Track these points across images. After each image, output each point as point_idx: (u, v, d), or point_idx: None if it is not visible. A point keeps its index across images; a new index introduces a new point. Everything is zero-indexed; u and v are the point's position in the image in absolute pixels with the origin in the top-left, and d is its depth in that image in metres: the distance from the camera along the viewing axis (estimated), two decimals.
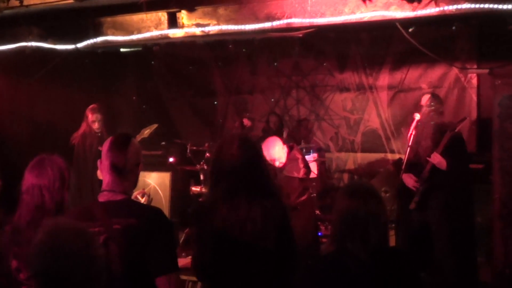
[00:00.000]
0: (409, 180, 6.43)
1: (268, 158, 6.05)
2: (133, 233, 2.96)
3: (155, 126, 8.54)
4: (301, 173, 6.15)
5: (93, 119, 7.78)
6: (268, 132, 8.17)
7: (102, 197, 3.17)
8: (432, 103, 6.44)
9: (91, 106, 7.89)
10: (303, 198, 6.26)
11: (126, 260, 2.83)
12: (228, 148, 3.51)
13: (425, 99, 6.51)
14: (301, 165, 6.19)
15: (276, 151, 6.10)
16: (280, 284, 3.46)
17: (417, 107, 6.63)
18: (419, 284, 3.01)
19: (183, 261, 7.30)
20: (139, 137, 8.16)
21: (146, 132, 8.39)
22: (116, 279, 2.46)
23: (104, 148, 3.23)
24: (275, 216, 3.44)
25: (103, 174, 3.23)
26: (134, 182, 3.33)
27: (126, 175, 3.21)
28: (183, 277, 6.61)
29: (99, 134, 7.74)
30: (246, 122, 7.92)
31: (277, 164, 6.11)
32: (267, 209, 3.41)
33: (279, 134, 7.41)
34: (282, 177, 6.15)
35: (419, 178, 6.34)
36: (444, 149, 6.17)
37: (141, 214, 3.08)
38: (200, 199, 8.00)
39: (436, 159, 6.16)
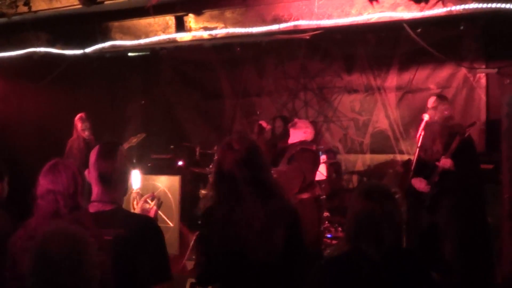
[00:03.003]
0: (419, 184, 6.41)
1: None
2: (123, 244, 2.95)
3: (143, 135, 8.63)
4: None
5: (82, 128, 7.98)
6: (274, 136, 8.16)
7: (92, 208, 3.15)
8: (438, 105, 6.42)
9: (79, 115, 8.04)
10: (306, 195, 6.31)
11: (117, 271, 2.82)
12: (228, 150, 3.50)
13: (431, 101, 6.49)
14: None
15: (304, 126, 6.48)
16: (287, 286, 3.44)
17: (424, 110, 6.62)
18: (432, 285, 3.00)
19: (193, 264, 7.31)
20: (127, 145, 8.25)
21: (134, 140, 8.49)
22: None
23: (92, 158, 3.21)
24: (283, 216, 3.41)
25: (92, 184, 3.21)
26: (123, 191, 3.31)
27: (115, 185, 3.21)
28: (193, 280, 6.60)
29: (88, 141, 7.87)
30: (265, 125, 7.91)
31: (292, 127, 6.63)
32: (273, 209, 3.38)
33: (284, 139, 7.43)
34: (298, 151, 6.28)
35: (429, 182, 6.33)
36: (453, 153, 6.15)
37: (131, 224, 3.07)
38: (206, 202, 8.05)
39: (447, 164, 6.15)
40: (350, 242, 2.99)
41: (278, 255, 3.33)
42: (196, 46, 7.52)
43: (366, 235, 2.88)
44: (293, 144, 6.62)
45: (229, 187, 3.42)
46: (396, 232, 2.93)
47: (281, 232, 3.34)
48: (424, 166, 6.44)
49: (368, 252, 2.87)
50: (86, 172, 3.24)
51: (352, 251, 2.96)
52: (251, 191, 3.37)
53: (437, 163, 6.23)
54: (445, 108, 6.45)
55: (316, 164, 6.76)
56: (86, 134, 7.98)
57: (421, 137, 6.45)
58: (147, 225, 3.15)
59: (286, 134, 7.70)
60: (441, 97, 6.59)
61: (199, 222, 3.71)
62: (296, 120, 7.07)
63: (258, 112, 9.60)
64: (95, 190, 3.19)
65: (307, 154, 6.48)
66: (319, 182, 7.39)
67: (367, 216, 2.89)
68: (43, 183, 3.45)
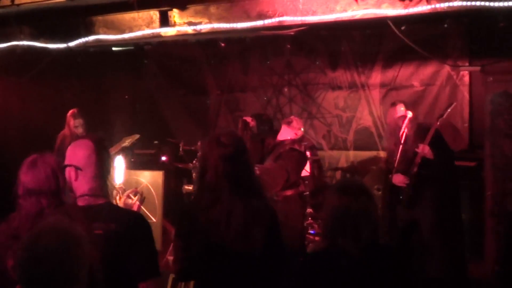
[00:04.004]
0: (398, 178, 6.49)
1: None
2: (114, 238, 2.94)
3: (137, 136, 8.58)
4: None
5: (75, 124, 7.83)
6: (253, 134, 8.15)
7: (82, 201, 3.11)
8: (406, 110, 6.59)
9: (71, 111, 7.92)
10: (290, 192, 6.33)
11: (107, 265, 2.80)
12: (214, 145, 3.48)
13: (400, 110, 6.64)
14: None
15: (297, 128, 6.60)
16: (266, 285, 3.43)
17: (407, 107, 6.74)
18: (409, 279, 3.02)
19: None
20: (120, 146, 8.19)
21: (128, 141, 8.43)
22: (97, 284, 2.45)
23: (85, 152, 3.13)
24: (262, 216, 3.41)
25: (81, 181, 3.12)
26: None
27: (107, 179, 3.20)
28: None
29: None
30: (250, 120, 7.88)
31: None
32: (253, 208, 3.38)
33: (270, 135, 7.47)
34: (286, 150, 6.32)
35: (408, 174, 6.40)
36: (430, 140, 6.26)
37: (122, 218, 3.06)
38: (192, 198, 8.04)
39: (425, 149, 6.23)
40: (328, 239, 3.00)
41: (257, 252, 3.34)
42: (181, 41, 7.50)
43: (343, 231, 2.89)
44: (283, 143, 6.63)
45: (212, 183, 3.40)
46: (373, 227, 2.95)
47: (260, 231, 3.36)
48: (405, 163, 6.50)
49: (345, 247, 2.88)
50: (71, 171, 3.15)
51: (330, 247, 2.97)
52: (232, 188, 3.37)
53: (416, 149, 6.31)
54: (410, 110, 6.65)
55: (302, 165, 6.79)
56: (79, 131, 7.82)
57: (404, 134, 6.50)
58: (137, 220, 3.13)
59: (266, 132, 7.71)
60: (404, 103, 6.81)
61: (178, 217, 3.70)
62: (292, 118, 7.05)
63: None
64: (89, 185, 3.12)
65: (295, 154, 6.50)
66: (303, 178, 7.40)
67: (344, 212, 2.90)
68: (24, 181, 3.42)
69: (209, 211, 3.34)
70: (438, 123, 6.30)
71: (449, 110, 6.39)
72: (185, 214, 3.57)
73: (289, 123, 6.82)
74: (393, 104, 7.01)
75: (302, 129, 6.82)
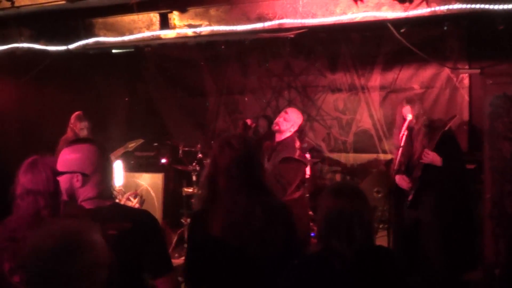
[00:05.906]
0: (402, 182, 6.45)
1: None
2: (128, 237, 2.94)
3: (141, 141, 8.58)
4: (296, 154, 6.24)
5: (81, 127, 7.81)
6: (257, 136, 8.15)
7: (90, 204, 3.08)
8: (413, 111, 6.48)
9: (76, 114, 7.90)
10: (298, 194, 6.31)
11: (122, 265, 2.79)
12: (226, 148, 3.49)
13: (407, 111, 6.53)
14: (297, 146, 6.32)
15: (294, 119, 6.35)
16: None
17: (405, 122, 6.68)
18: (405, 282, 3.01)
19: (176, 261, 7.32)
20: (123, 150, 8.19)
21: (131, 145, 8.43)
22: (113, 285, 2.44)
23: (91, 158, 3.09)
24: (280, 214, 3.47)
25: (88, 187, 3.09)
26: None
27: (112, 181, 3.21)
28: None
29: None
30: (250, 122, 7.89)
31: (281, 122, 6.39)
32: (269, 207, 3.42)
33: (270, 138, 7.46)
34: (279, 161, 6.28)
35: (412, 178, 6.37)
36: (436, 146, 6.19)
37: (133, 217, 3.06)
38: (193, 200, 8.03)
39: (429, 157, 6.18)
40: (322, 241, 3.00)
41: (276, 252, 3.36)
42: (180, 44, 7.51)
43: (337, 233, 2.89)
44: (282, 143, 6.59)
45: (226, 186, 3.42)
46: (367, 229, 2.95)
47: (279, 229, 3.39)
48: (407, 165, 6.48)
49: (339, 250, 2.88)
50: (77, 176, 3.08)
51: (324, 249, 2.96)
52: (248, 189, 3.40)
53: (421, 160, 6.26)
54: (420, 109, 6.51)
55: (302, 171, 6.73)
56: (85, 133, 7.79)
57: (404, 136, 6.47)
58: (148, 218, 3.14)
59: (271, 134, 7.70)
60: (410, 101, 6.64)
61: (190, 223, 3.71)
62: (288, 110, 6.98)
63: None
64: (96, 190, 3.10)
65: (293, 165, 6.45)
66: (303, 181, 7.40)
67: (337, 214, 2.90)
68: (23, 182, 3.41)
69: (228, 214, 3.35)
70: (446, 129, 6.25)
71: (451, 121, 6.35)
72: (197, 219, 3.58)
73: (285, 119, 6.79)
74: (400, 104, 6.91)
75: (298, 123, 6.75)
